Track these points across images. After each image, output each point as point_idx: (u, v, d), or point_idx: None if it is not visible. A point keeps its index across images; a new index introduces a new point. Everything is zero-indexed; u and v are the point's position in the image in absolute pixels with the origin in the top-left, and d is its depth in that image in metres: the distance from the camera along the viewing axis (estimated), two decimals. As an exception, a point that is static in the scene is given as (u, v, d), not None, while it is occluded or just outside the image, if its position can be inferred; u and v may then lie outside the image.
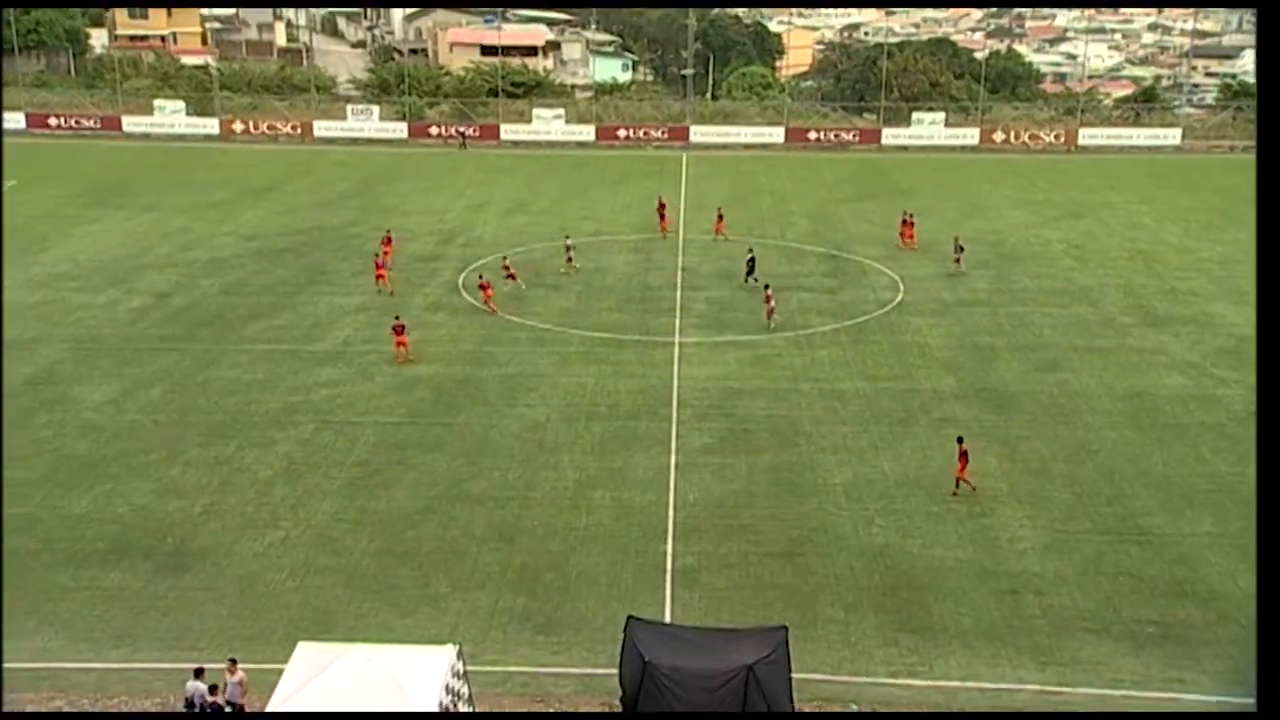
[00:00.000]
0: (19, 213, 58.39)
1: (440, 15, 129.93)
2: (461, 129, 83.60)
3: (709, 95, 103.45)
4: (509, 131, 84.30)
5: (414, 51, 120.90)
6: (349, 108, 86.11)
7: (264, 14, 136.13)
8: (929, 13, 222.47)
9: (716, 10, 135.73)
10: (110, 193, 64.09)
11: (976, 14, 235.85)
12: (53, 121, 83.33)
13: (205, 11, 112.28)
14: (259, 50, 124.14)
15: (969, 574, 26.12)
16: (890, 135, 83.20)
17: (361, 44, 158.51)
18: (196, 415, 33.89)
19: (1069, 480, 30.53)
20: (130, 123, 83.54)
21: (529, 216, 60.65)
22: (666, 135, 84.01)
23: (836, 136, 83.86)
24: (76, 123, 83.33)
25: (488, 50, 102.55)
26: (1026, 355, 39.85)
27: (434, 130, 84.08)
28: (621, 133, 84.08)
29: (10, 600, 24.39)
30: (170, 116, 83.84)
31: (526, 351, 39.76)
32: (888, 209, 57.92)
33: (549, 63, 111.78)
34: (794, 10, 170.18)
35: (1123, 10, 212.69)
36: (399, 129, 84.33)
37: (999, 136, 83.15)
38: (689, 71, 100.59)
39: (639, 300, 45.84)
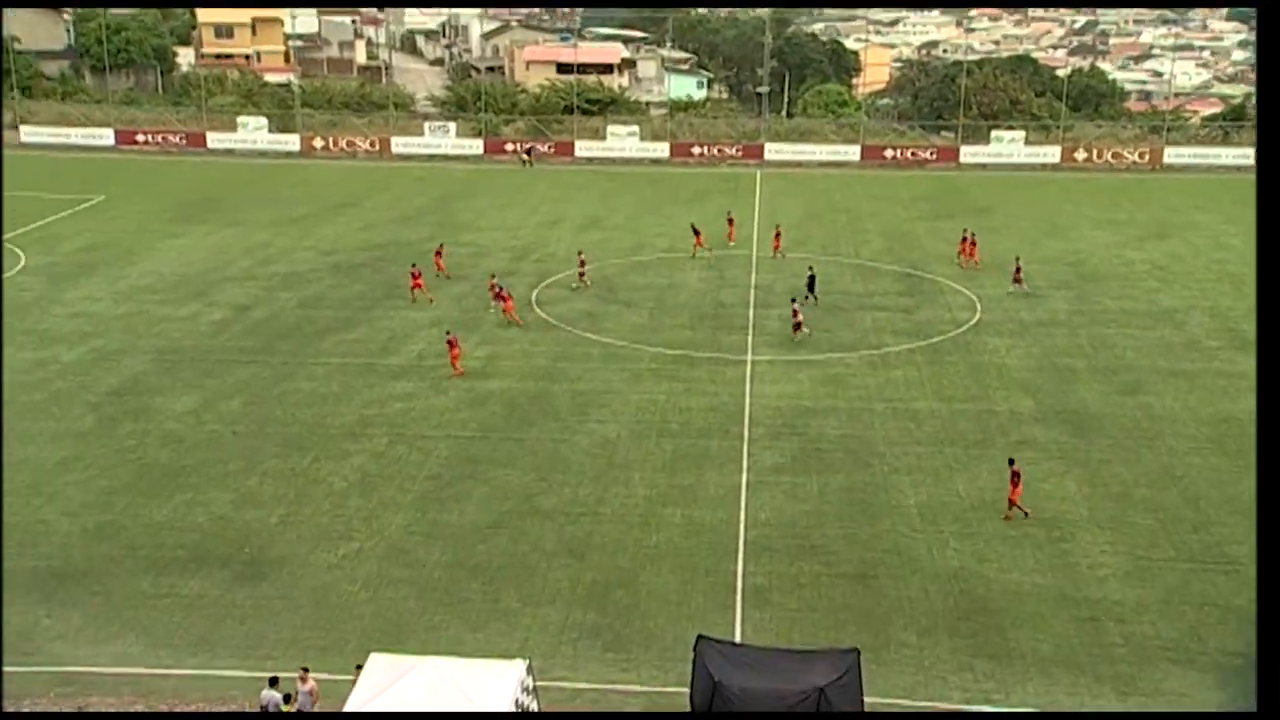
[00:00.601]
0: (108, 227, 60.04)
1: (517, 33, 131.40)
2: (525, 145, 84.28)
3: (784, 113, 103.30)
4: (583, 148, 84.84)
5: (491, 69, 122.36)
6: (426, 125, 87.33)
7: (345, 32, 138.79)
8: (1009, 29, 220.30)
9: (793, 27, 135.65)
10: (195, 208, 65.63)
11: (1058, 31, 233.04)
12: (140, 138, 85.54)
13: (288, 29, 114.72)
14: (340, 68, 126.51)
15: (1047, 600, 25.64)
16: (968, 153, 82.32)
17: (439, 62, 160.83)
18: (274, 426, 34.51)
19: (1152, 506, 29.86)
20: (214, 139, 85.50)
21: (603, 232, 60.91)
22: (740, 152, 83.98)
23: (913, 154, 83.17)
24: (163, 139, 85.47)
25: (563, 68, 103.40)
26: (1108, 377, 39.10)
27: (509, 147, 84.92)
28: (696, 150, 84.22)
29: (93, 605, 25.01)
30: (253, 133, 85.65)
31: (598, 367, 39.90)
32: (966, 228, 57.24)
33: (624, 80, 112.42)
34: (871, 27, 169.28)
35: (1212, 27, 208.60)
36: (475, 146, 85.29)
37: (1081, 155, 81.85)
38: (764, 89, 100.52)
39: (711, 317, 45.80)
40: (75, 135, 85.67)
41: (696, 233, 55.78)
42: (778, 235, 55.70)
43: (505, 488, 30.73)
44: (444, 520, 28.98)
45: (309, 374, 38.92)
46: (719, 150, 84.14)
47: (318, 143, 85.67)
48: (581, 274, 49.79)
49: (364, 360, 40.33)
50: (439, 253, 51.60)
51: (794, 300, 44.71)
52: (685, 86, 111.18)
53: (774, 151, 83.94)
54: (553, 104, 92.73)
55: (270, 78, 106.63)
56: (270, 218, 63.35)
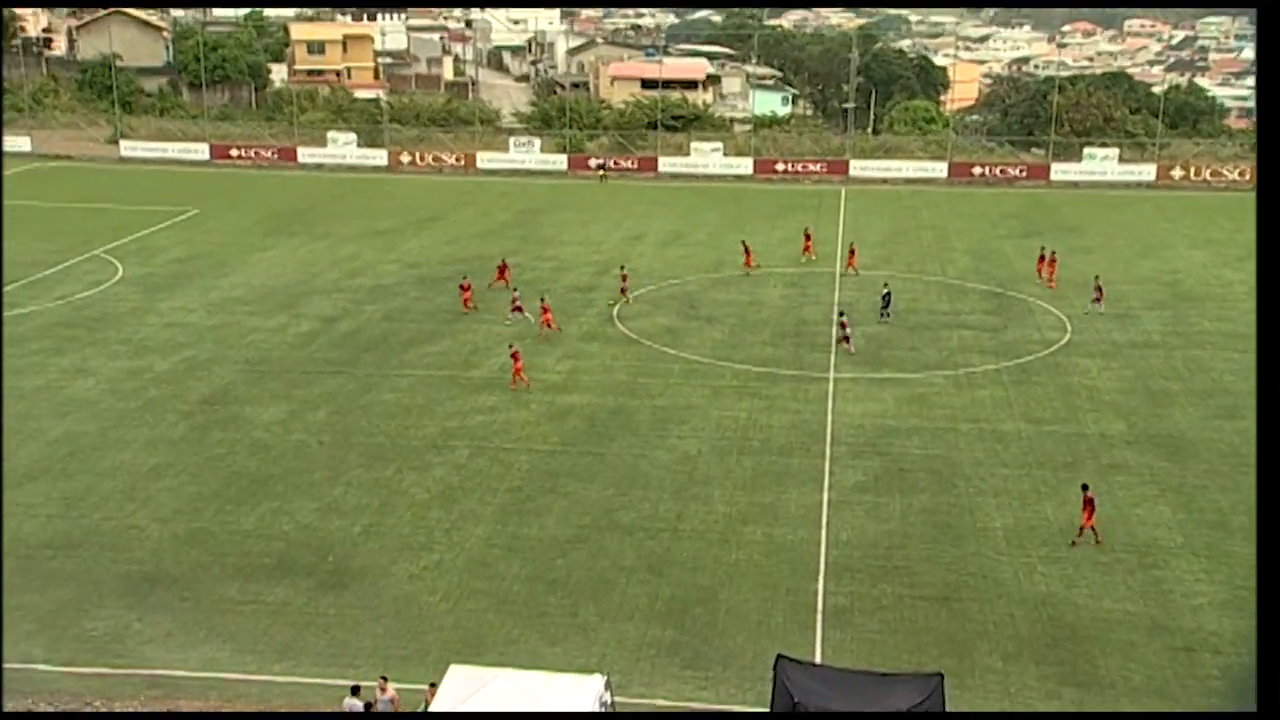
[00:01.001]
0: (202, 239, 61.62)
1: (603, 50, 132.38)
2: (601, 161, 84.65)
3: (870, 129, 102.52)
4: (667, 164, 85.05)
5: (576, 85, 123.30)
6: (511, 140, 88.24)
7: (433, 49, 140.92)
8: (1104, 45, 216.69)
9: (880, 43, 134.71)
10: (284, 221, 67.07)
11: (1155, 46, 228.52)
12: (234, 152, 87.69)
13: (378, 46, 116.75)
14: (427, 84, 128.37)
15: (1139, 628, 25.00)
16: (1059, 171, 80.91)
17: (525, 78, 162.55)
18: (358, 437, 35.06)
19: (1250, 534, 28.98)
20: (305, 154, 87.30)
21: (685, 249, 60.97)
22: (825, 169, 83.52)
23: (1002, 172, 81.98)
24: (255, 153, 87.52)
25: (648, 84, 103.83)
26: (1205, 401, 38.09)
27: (593, 163, 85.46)
28: (780, 166, 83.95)
29: (182, 610, 25.60)
30: (342, 148, 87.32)
31: (679, 383, 39.92)
32: (1056, 246, 56.28)
33: (708, 96, 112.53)
34: (960, 43, 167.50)
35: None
36: (559, 161, 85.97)
37: (1177, 173, 79.96)
38: (850, 105, 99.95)
39: (793, 335, 45.58)
40: (172, 150, 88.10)
41: (747, 250, 55.56)
42: (852, 253, 55.27)
43: (585, 502, 30.85)
44: (524, 534, 29.16)
45: (393, 386, 39.49)
46: (803, 167, 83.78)
47: (405, 157, 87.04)
48: (624, 289, 49.80)
49: (447, 373, 40.80)
50: (503, 267, 51.61)
51: (841, 314, 44.77)
52: (770, 103, 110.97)
53: (859, 168, 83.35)
54: (637, 120, 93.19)
55: (360, 94, 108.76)
56: (357, 231, 64.48)
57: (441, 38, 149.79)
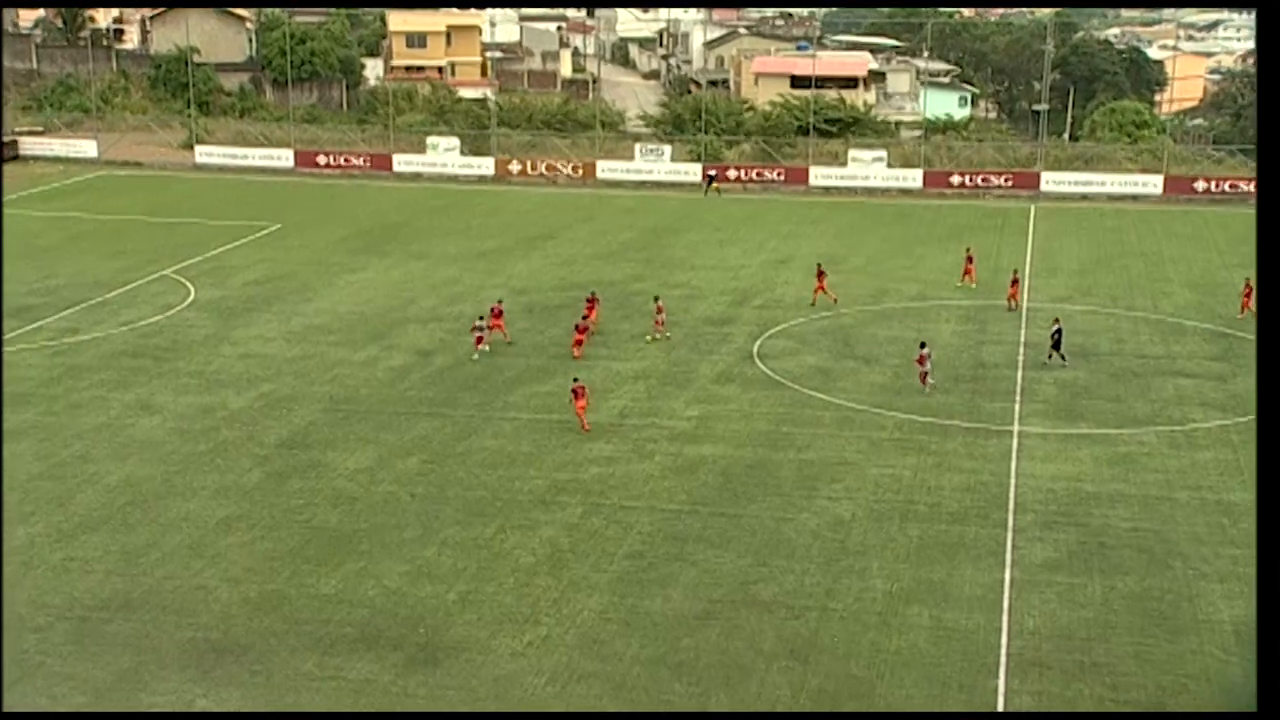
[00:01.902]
0: (284, 259, 63.64)
1: (746, 41, 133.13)
2: (709, 170, 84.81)
3: (1066, 135, 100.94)
4: (820, 175, 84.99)
5: (714, 83, 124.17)
6: (637, 147, 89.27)
7: (549, 41, 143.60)
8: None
9: (1081, 33, 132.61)
10: (376, 238, 68.85)
11: None
12: (321, 160, 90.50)
13: (486, 38, 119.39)
14: (541, 82, 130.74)
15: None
16: (1301, 184, 78.36)
17: (654, 74, 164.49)
18: (455, 490, 35.63)
19: None
20: (401, 161, 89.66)
21: (839, 275, 60.63)
22: (1010, 183, 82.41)
23: (1232, 187, 79.75)
24: (345, 160, 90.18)
25: (799, 82, 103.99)
26: None
27: (732, 173, 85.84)
28: (955, 179, 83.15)
29: (251, 685, 26.25)
30: (443, 155, 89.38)
31: (831, 434, 39.65)
32: (1248, 276, 54.46)
33: (870, 96, 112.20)
34: (1181, 32, 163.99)
35: None
36: (692, 172, 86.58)
37: None
38: (1042, 107, 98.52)
39: (970, 379, 44.93)
40: (253, 156, 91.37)
41: (821, 274, 54.93)
42: (1014, 282, 54.26)
43: (717, 572, 30.77)
44: (644, 607, 29.20)
45: (496, 430, 40.06)
46: (984, 179, 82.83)
47: (514, 166, 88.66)
48: (659, 322, 49.76)
49: (558, 417, 41.22)
50: (591, 302, 51.06)
51: (923, 345, 44.32)
52: (945, 103, 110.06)
53: (1052, 181, 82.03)
54: (785, 124, 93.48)
55: (465, 93, 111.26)
56: (458, 250, 65.80)
57: (559, 29, 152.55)
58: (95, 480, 36.05)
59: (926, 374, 43.45)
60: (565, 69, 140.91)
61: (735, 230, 71.67)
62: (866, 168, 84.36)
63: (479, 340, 47.67)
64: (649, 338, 49.57)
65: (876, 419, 41.02)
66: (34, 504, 34.39)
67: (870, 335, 50.21)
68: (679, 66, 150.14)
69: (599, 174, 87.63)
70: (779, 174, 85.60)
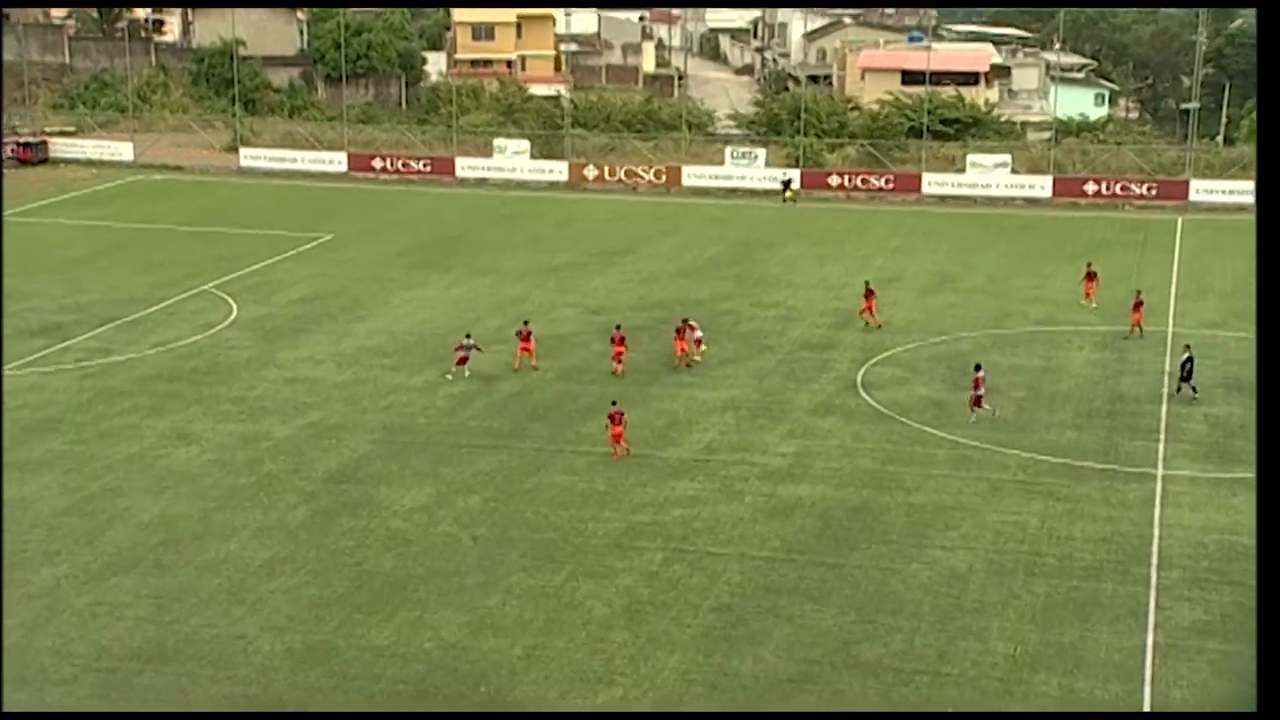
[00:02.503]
0: (335, 273, 64.44)
1: (850, 32, 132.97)
2: (785, 177, 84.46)
3: (1219, 138, 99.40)
4: (934, 183, 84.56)
5: (814, 79, 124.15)
6: (728, 150, 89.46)
7: (630, 33, 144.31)
8: None
9: (1240, 20, 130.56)
10: (437, 251, 69.50)
11: None
12: (377, 163, 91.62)
13: (560, 29, 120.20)
14: (621, 78, 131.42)
15: None
16: None
17: (747, 69, 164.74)
18: (521, 531, 35.77)
19: None
20: (465, 165, 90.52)
21: (955, 296, 60.27)
22: (1154, 192, 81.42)
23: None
24: (404, 165, 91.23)
25: (911, 77, 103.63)
26: None
27: (834, 180, 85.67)
28: (1090, 187, 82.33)
29: (294, 743, 26.48)
30: (512, 159, 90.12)
31: (945, 475, 39.32)
32: None
33: (992, 93, 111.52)
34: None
35: None
36: (791, 175, 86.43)
37: None
38: (1192, 105, 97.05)
39: (1106, 415, 44.36)
40: (303, 160, 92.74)
41: (869, 294, 54.54)
42: (1138, 305, 53.49)
43: (815, 629, 30.58)
44: (732, 667, 29.09)
45: (567, 466, 40.19)
46: (1123, 188, 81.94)
47: (590, 171, 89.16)
48: (698, 342, 49.99)
49: (637, 451, 41.24)
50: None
51: (978, 368, 44.27)
52: (1078, 102, 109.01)
53: (1202, 190, 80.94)
54: (894, 125, 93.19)
55: (536, 90, 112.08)
56: (527, 265, 66.21)
57: (641, 19, 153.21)
58: (126, 517, 36.63)
59: (981, 397, 43.35)
60: (648, 64, 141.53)
61: (837, 244, 71.43)
62: (988, 174, 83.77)
63: (461, 360, 48.06)
64: (680, 363, 49.69)
65: (998, 458, 40.60)
66: (60, 542, 35.01)
67: (990, 363, 49.63)
68: (775, 60, 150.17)
69: (685, 180, 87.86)
70: (888, 181, 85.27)
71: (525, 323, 50.37)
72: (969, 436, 42.32)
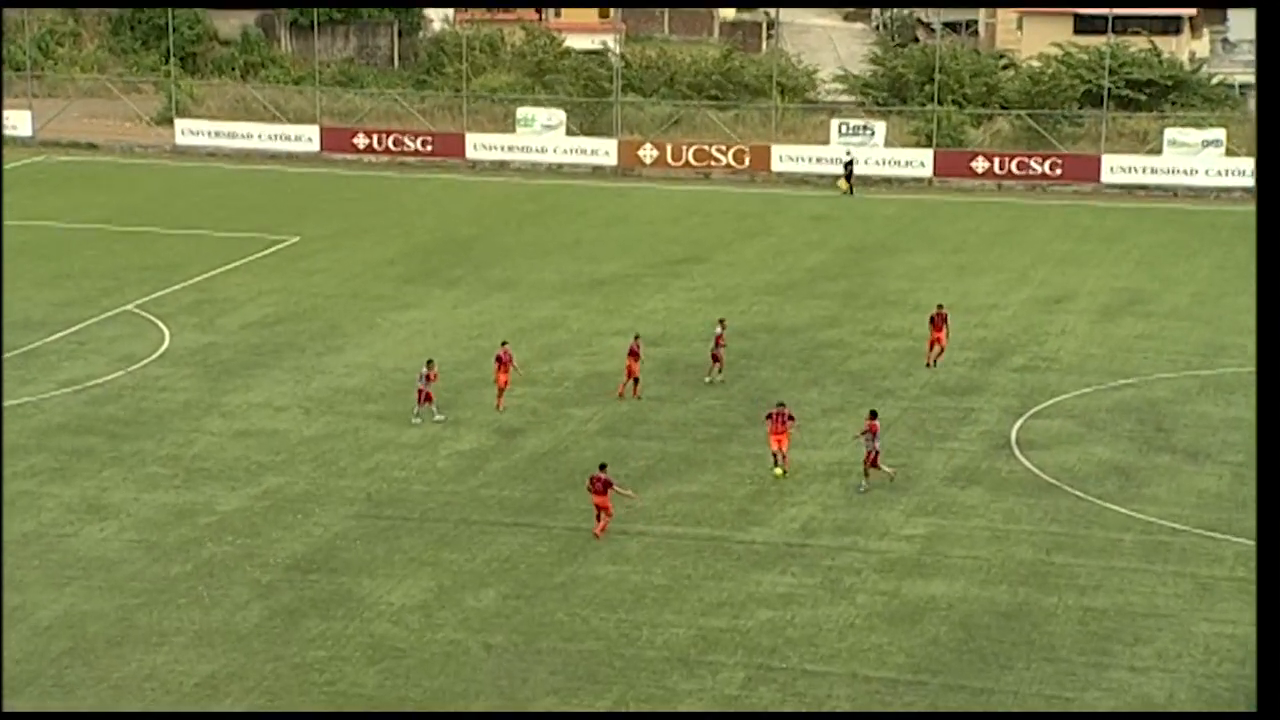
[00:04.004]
0: (301, 288, 64.74)
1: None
2: (847, 158, 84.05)
3: None
4: (1117, 167, 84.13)
5: (952, 28, 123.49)
6: (835, 123, 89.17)
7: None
8: None
9: None
10: (439, 257, 69.67)
11: None
12: (360, 141, 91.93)
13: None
14: (691, 27, 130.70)
15: None
16: None
17: (861, 14, 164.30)
18: (552, 640, 35.63)
19: None
20: (479, 144, 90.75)
21: (1146, 322, 59.86)
22: None
23: None
24: (396, 143, 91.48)
25: (1086, 24, 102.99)
26: None
27: (979, 164, 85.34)
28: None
29: None
30: (541, 136, 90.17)
31: (1134, 569, 39.03)
32: None
33: (1200, 44, 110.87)
34: None
35: None
36: (919, 159, 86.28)
37: None
38: None
39: (1355, 486, 43.82)
40: (260, 135, 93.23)
41: (939, 321, 54.09)
42: None
43: (953, 780, 30.32)
44: (840, 831, 28.88)
45: (615, 551, 40.05)
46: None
47: (647, 152, 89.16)
48: (715, 354, 52.05)
49: (708, 531, 41.11)
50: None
51: (873, 415, 44.06)
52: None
53: None
54: (1064, 88, 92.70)
55: (574, 42, 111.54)
56: (561, 278, 66.26)
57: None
58: (18, 618, 36.55)
59: (876, 454, 43.12)
60: (727, 9, 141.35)
61: (983, 251, 71.14)
62: (1193, 155, 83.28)
63: (424, 397, 48.61)
64: (706, 378, 51.26)
65: (1209, 547, 40.19)
66: (-70, 649, 35.13)
67: (1197, 415, 49.31)
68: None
69: (775, 165, 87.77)
70: (1054, 165, 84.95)
71: (503, 344, 50.82)
72: (1167, 515, 41.91)
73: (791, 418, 44.90)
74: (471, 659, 34.90)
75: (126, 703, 32.92)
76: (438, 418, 48.71)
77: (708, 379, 52.19)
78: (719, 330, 52.58)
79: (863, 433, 43.91)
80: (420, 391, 48.84)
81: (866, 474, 43.77)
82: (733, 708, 32.79)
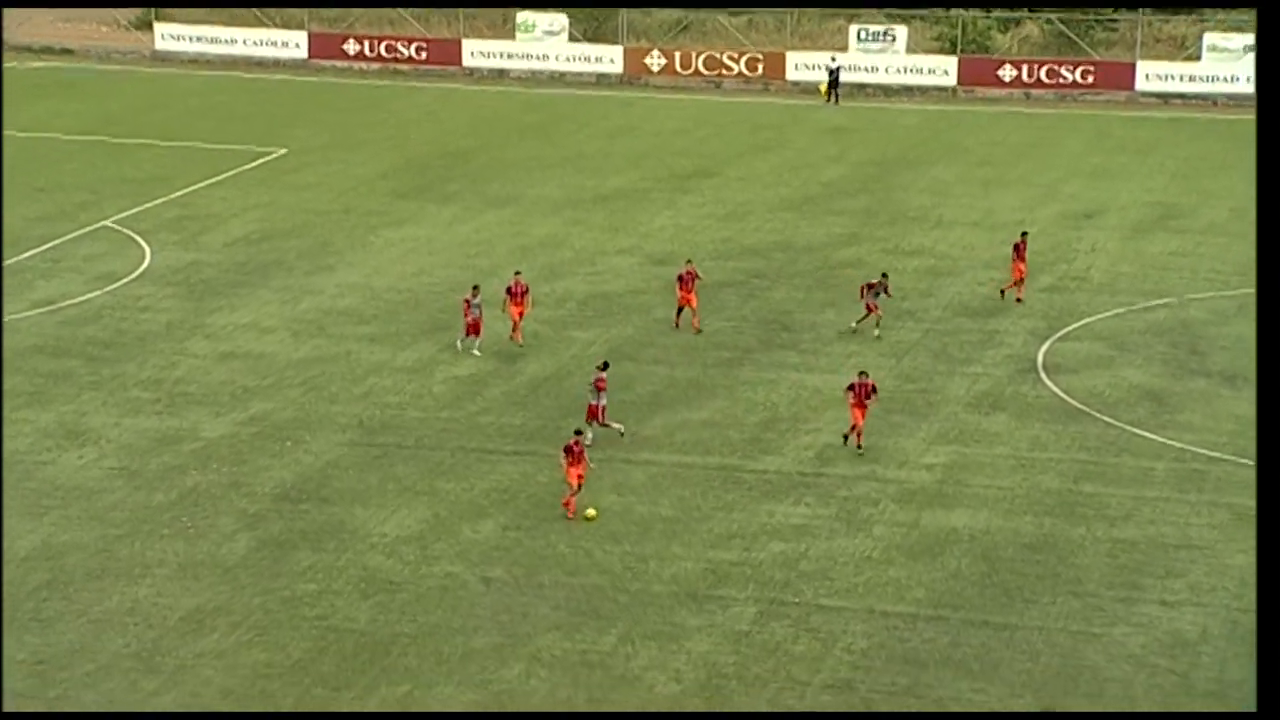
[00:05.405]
0: (290, 203, 64.71)
1: None
2: (834, 64, 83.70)
3: None
4: (1152, 74, 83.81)
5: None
6: (853, 30, 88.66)
7: None
8: None
9: None
10: (434, 172, 69.54)
11: None
12: (350, 48, 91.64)
13: None
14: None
15: None
16: None
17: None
18: (554, 573, 35.75)
19: None
20: (476, 51, 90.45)
21: (1180, 239, 59.78)
22: None
23: None
24: (388, 49, 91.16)
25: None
26: None
27: (1007, 72, 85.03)
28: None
29: None
30: (542, 43, 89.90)
31: (1166, 499, 39.14)
32: None
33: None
34: None
35: None
36: (943, 67, 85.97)
37: None
38: None
39: (1400, 412, 43.86)
40: (245, 41, 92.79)
41: (1021, 248, 52.94)
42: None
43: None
44: (855, 772, 29.08)
45: (618, 480, 40.12)
46: None
47: (655, 60, 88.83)
48: (873, 306, 49.65)
49: (718, 460, 41.20)
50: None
51: (604, 366, 42.85)
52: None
53: None
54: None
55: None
56: (564, 194, 66.16)
57: None
58: (-5, 547, 36.88)
59: (603, 409, 41.78)
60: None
61: (1010, 164, 70.96)
62: (1234, 62, 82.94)
63: (472, 327, 48.02)
64: (861, 326, 49.73)
65: (1245, 475, 40.11)
66: (-99, 582, 35.27)
67: (1234, 337, 49.28)
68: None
69: (790, 73, 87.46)
70: (1085, 73, 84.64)
71: (516, 273, 50.36)
72: (1201, 442, 41.95)
73: (875, 389, 41.95)
74: (469, 593, 35.04)
75: (108, 638, 33.08)
76: (475, 351, 48.32)
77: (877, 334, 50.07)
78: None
79: (591, 384, 42.44)
80: (470, 321, 48.08)
81: (589, 426, 41.54)
82: (743, 644, 32.91)
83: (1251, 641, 32.96)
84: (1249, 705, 31.07)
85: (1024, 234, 54.56)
